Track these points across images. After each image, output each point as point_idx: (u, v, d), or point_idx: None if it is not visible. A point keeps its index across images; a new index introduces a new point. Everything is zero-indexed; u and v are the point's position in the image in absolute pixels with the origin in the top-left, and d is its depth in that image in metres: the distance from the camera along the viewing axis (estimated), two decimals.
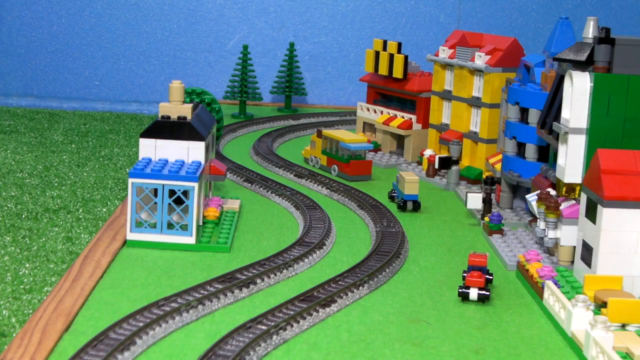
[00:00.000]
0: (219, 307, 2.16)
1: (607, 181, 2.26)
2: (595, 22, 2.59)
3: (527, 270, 2.41)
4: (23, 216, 2.93)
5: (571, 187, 2.54)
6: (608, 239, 2.26)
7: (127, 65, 5.18)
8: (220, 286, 2.23)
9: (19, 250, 2.61)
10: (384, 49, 3.87)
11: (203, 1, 5.15)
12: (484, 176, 3.15)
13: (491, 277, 2.34)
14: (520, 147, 3.00)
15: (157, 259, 2.50)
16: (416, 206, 3.07)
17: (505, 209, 3.06)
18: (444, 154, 3.50)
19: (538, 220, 2.57)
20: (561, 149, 2.57)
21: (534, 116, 2.91)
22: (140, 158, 2.67)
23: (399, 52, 3.81)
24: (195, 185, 2.54)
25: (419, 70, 3.89)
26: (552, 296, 2.19)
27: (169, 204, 2.56)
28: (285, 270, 2.40)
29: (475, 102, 3.43)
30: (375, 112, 3.94)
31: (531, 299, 2.33)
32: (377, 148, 3.87)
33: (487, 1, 5.24)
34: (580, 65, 2.52)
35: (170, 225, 2.59)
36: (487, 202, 2.93)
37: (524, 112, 2.98)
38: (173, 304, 2.09)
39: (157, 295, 2.19)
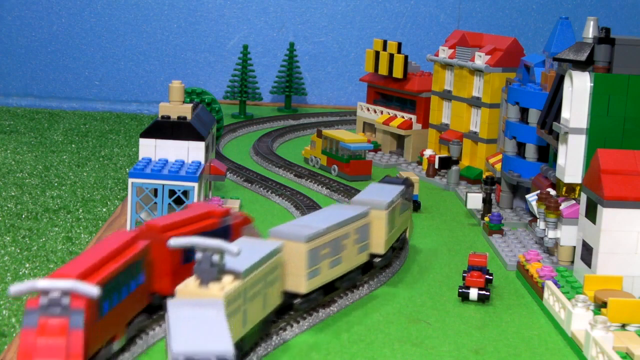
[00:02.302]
0: None
1: (607, 181, 2.26)
2: (595, 22, 2.59)
3: (527, 270, 2.40)
4: (23, 216, 2.93)
5: (571, 187, 2.54)
6: (608, 239, 2.26)
7: (127, 65, 5.18)
8: None
9: (19, 250, 2.61)
10: (384, 49, 3.87)
11: (203, 1, 5.15)
12: (484, 176, 3.15)
13: (491, 277, 2.33)
14: (520, 147, 3.00)
15: None
16: (416, 206, 3.07)
17: (505, 209, 3.06)
18: (444, 154, 3.50)
19: (538, 220, 2.57)
20: (561, 149, 2.57)
21: (534, 116, 2.91)
22: (140, 158, 2.67)
23: (399, 52, 3.81)
24: (195, 185, 2.54)
25: (419, 70, 3.89)
26: (552, 296, 2.19)
27: (169, 204, 2.56)
28: None
29: (475, 102, 3.43)
30: (375, 112, 3.94)
31: (531, 299, 2.33)
32: (377, 148, 3.87)
33: (487, 1, 5.24)
34: (580, 65, 2.52)
35: None
36: (487, 202, 2.93)
37: (524, 112, 2.98)
38: None
39: None
